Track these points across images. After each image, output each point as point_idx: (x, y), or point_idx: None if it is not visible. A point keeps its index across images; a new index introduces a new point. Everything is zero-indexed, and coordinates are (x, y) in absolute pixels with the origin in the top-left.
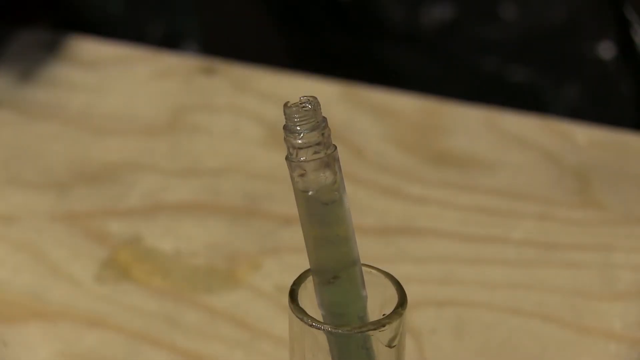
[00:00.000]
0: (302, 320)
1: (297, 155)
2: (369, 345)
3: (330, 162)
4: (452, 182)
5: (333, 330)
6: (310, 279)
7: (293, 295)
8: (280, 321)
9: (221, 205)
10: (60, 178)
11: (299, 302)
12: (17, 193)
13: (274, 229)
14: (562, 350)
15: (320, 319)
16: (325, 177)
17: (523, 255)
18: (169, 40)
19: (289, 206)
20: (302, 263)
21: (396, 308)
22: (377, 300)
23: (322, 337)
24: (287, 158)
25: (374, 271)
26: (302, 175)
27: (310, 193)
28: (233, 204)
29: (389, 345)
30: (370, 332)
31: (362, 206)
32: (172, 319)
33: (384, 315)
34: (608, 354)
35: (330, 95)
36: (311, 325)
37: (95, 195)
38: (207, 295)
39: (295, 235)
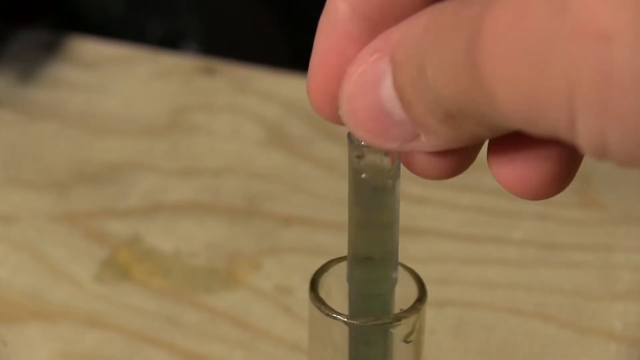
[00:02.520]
0: (319, 309)
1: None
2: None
3: None
4: (452, 182)
5: (349, 321)
6: (331, 270)
7: (314, 284)
8: (280, 321)
9: (221, 205)
10: (60, 178)
11: (319, 292)
12: (17, 193)
13: (274, 229)
14: (562, 350)
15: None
16: (383, 162)
17: (523, 255)
18: (169, 40)
19: (289, 206)
20: (302, 263)
21: (414, 303)
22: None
23: (339, 327)
24: (348, 135)
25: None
26: (359, 157)
27: (363, 176)
28: (233, 204)
29: (405, 341)
30: (387, 326)
31: None
32: (172, 319)
33: (401, 310)
34: (608, 354)
35: None
36: (327, 315)
37: (95, 195)
38: (207, 295)
39: (295, 235)
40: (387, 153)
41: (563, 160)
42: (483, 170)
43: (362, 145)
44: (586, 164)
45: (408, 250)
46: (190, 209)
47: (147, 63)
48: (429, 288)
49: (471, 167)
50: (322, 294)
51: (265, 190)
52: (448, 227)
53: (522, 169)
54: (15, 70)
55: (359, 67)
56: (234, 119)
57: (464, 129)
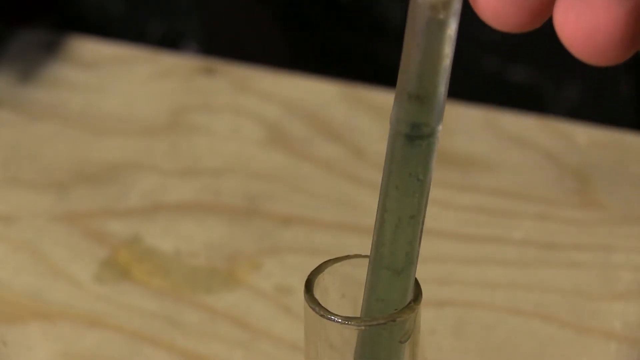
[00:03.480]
0: (314, 310)
1: None
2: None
3: None
4: (452, 182)
5: (344, 322)
6: (327, 271)
7: (309, 285)
8: (280, 321)
9: (221, 205)
10: (60, 178)
11: (315, 292)
12: (17, 193)
13: (274, 229)
14: (562, 350)
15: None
16: None
17: (523, 255)
18: (169, 40)
19: (289, 206)
20: (302, 263)
21: (409, 303)
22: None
23: (334, 328)
24: None
25: None
26: None
27: (420, 4)
28: (233, 204)
29: (401, 341)
30: (382, 326)
31: (362, 206)
32: (172, 319)
33: (396, 310)
34: (608, 354)
35: (330, 95)
36: (322, 316)
37: (95, 195)
38: (207, 295)
39: (295, 235)
40: None
41: (632, 19)
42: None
43: None
44: (586, 163)
45: None
46: (190, 209)
47: (147, 63)
48: (429, 288)
49: (471, 167)
50: (319, 294)
51: (265, 190)
52: (448, 227)
53: (589, 23)
54: (15, 70)
55: None
56: (234, 119)
57: None
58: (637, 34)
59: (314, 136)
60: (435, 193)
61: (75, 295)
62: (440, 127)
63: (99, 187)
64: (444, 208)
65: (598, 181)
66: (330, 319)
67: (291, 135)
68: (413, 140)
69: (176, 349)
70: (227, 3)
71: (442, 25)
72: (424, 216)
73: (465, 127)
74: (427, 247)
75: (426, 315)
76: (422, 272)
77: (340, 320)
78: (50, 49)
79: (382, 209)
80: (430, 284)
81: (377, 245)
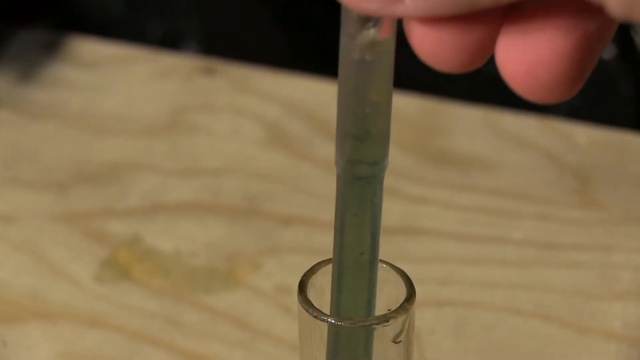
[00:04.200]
0: (307, 311)
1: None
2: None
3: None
4: (452, 182)
5: (337, 323)
6: (321, 271)
7: (302, 286)
8: (280, 321)
9: (221, 205)
10: (60, 178)
11: (309, 293)
12: (17, 193)
13: (274, 229)
14: (562, 350)
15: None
16: (370, 35)
17: (523, 255)
18: (169, 40)
19: (289, 206)
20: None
21: (403, 303)
22: (386, 295)
23: (327, 329)
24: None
25: (384, 265)
26: (355, 23)
27: (351, 46)
28: (233, 204)
29: (395, 341)
30: (375, 326)
31: None
32: (172, 319)
33: (389, 310)
34: (608, 354)
35: (330, 95)
36: (315, 317)
37: (95, 195)
38: (207, 295)
39: (295, 235)
40: (376, 24)
41: (575, 55)
42: (483, 170)
43: (358, 16)
44: (586, 163)
45: (408, 250)
46: (190, 209)
47: (147, 63)
48: (429, 288)
49: (471, 167)
50: (314, 294)
51: (265, 190)
52: (448, 227)
53: (532, 59)
54: (15, 70)
55: None
56: (234, 119)
57: None
58: (580, 70)
59: (314, 136)
60: (435, 193)
61: (75, 295)
62: (385, 163)
63: (99, 187)
64: (444, 208)
65: (598, 181)
66: (323, 320)
67: (291, 135)
68: (355, 180)
69: (176, 349)
70: (227, 3)
71: (371, 65)
72: (377, 253)
73: (465, 127)
74: (427, 247)
75: (426, 315)
76: (422, 272)
77: (333, 320)
78: (50, 49)
79: (337, 248)
80: (430, 284)
81: (335, 293)
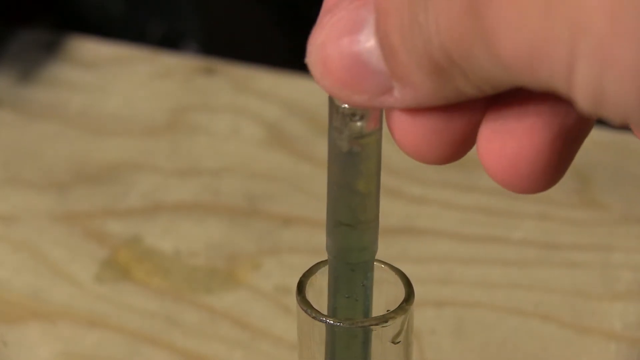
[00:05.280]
0: (305, 312)
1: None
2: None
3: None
4: (452, 182)
5: (335, 324)
6: (320, 272)
7: (300, 286)
8: (280, 321)
9: (221, 205)
10: (60, 178)
11: (307, 293)
12: (17, 193)
13: (274, 229)
14: (562, 350)
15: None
16: (358, 127)
17: (523, 255)
18: (169, 40)
19: (289, 206)
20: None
21: (401, 303)
22: (385, 296)
23: (326, 329)
24: (330, 98)
25: (382, 266)
26: (343, 118)
27: (338, 139)
28: (233, 204)
29: (393, 342)
30: (373, 327)
31: None
32: (172, 319)
33: (388, 310)
34: (608, 354)
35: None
36: (314, 318)
37: (95, 195)
38: (207, 295)
39: (295, 235)
40: (362, 117)
41: (555, 147)
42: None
43: (345, 110)
44: (586, 164)
45: (408, 250)
46: (190, 209)
47: (147, 63)
48: (429, 288)
49: (471, 166)
50: (313, 295)
51: (265, 190)
52: (448, 227)
53: (513, 151)
54: (15, 70)
55: (336, 14)
56: (234, 119)
57: (448, 82)
58: (560, 162)
59: (314, 136)
60: (435, 193)
61: (75, 295)
62: (375, 248)
63: (99, 187)
64: (444, 208)
65: (598, 181)
66: (321, 321)
67: (291, 135)
68: (346, 266)
69: (176, 349)
70: (227, 3)
71: (360, 159)
72: (371, 331)
73: None
74: (427, 247)
75: (426, 315)
76: (422, 272)
77: (331, 321)
78: (50, 49)
79: (329, 327)
80: (430, 284)
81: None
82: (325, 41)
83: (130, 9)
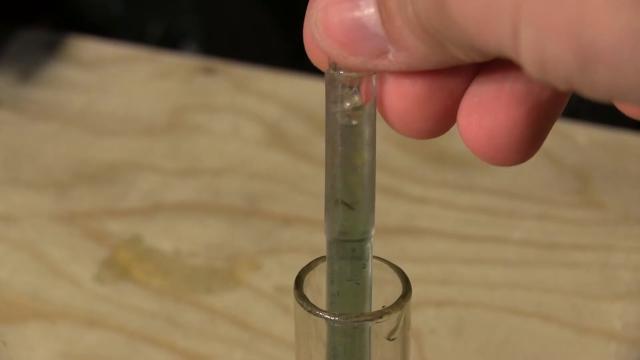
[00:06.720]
0: (302, 306)
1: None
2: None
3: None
4: (452, 182)
5: (331, 318)
6: (318, 268)
7: (298, 281)
8: (280, 321)
9: (221, 205)
10: (60, 178)
11: (305, 289)
12: (17, 193)
13: (274, 229)
14: (562, 350)
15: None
16: (353, 100)
17: (523, 255)
18: (169, 40)
19: (289, 206)
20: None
21: (398, 299)
22: (384, 293)
23: (323, 324)
24: (327, 72)
25: (380, 262)
26: (336, 88)
27: (334, 112)
28: (233, 204)
29: (388, 338)
30: (368, 322)
31: None
32: (172, 319)
33: (384, 306)
34: (608, 354)
35: None
36: (309, 312)
37: (95, 195)
38: (207, 295)
39: (295, 235)
40: (358, 89)
41: (530, 122)
42: (483, 170)
43: (342, 79)
44: (586, 163)
45: (408, 250)
46: (190, 209)
47: (147, 63)
48: (429, 288)
49: (471, 166)
50: (311, 291)
51: (265, 190)
52: (448, 227)
53: (490, 125)
54: (15, 70)
55: None
56: (234, 119)
57: (439, 47)
58: (536, 135)
59: (314, 136)
60: (435, 193)
61: (75, 295)
62: (372, 231)
63: (99, 187)
64: (444, 208)
65: (598, 181)
66: (317, 315)
67: (291, 135)
68: (346, 246)
69: (176, 349)
70: (227, 3)
71: (356, 131)
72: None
73: None
74: (427, 247)
75: (426, 315)
76: (422, 272)
77: (326, 316)
78: (50, 49)
79: (330, 313)
80: (430, 284)
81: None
82: (328, 4)
83: (130, 8)
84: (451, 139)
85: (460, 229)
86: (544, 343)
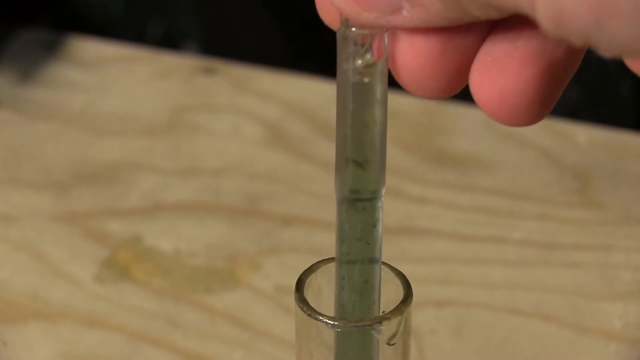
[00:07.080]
0: (302, 310)
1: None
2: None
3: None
4: (452, 182)
5: (332, 322)
6: (320, 270)
7: (299, 284)
8: (280, 321)
9: (221, 205)
10: (60, 178)
11: (306, 292)
12: (17, 193)
13: (274, 229)
14: (562, 350)
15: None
16: (365, 58)
17: (523, 255)
18: (169, 40)
19: (289, 206)
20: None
21: (399, 304)
22: (385, 296)
23: (323, 327)
24: (338, 30)
25: (381, 266)
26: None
27: (345, 69)
28: (233, 204)
29: (388, 343)
30: (369, 328)
31: None
32: (172, 319)
33: (384, 312)
34: (608, 354)
35: (330, 95)
36: (309, 316)
37: (95, 195)
38: (207, 295)
39: (295, 235)
40: (370, 47)
41: (542, 82)
42: (483, 170)
43: (354, 36)
44: (586, 163)
45: (408, 250)
46: (190, 209)
47: (147, 63)
48: (429, 288)
49: (471, 166)
50: (312, 293)
51: (265, 190)
52: (448, 227)
53: (502, 84)
54: (15, 70)
55: None
56: (234, 119)
57: (454, 3)
58: (548, 95)
59: (314, 136)
60: (435, 193)
61: (75, 295)
62: (383, 190)
63: (99, 187)
64: (444, 208)
65: (598, 181)
66: (317, 319)
67: (291, 135)
68: (356, 205)
69: (176, 349)
70: (227, 3)
71: (368, 89)
72: (380, 284)
73: (465, 127)
74: (427, 247)
75: (426, 315)
76: (422, 272)
77: (326, 320)
78: (50, 49)
79: (339, 277)
80: (430, 284)
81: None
82: None
83: (130, 8)
84: (451, 139)
85: (460, 229)
86: (544, 343)
